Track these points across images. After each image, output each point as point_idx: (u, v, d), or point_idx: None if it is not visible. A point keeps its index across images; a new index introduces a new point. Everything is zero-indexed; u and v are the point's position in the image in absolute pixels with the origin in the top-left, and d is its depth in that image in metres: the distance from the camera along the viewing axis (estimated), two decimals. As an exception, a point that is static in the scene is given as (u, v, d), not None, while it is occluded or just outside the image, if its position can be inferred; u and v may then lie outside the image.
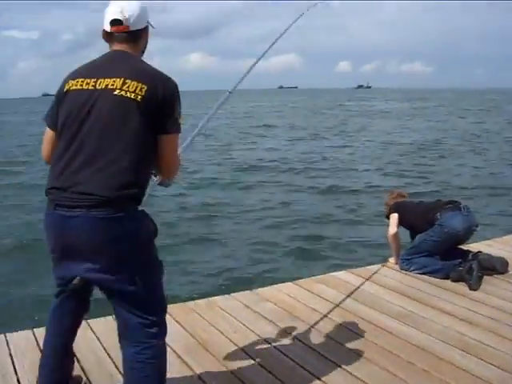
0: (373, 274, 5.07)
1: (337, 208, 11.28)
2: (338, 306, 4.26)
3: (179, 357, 3.34)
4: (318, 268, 6.76)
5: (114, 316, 2.46)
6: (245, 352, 3.44)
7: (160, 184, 2.54)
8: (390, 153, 19.99)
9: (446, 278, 4.84)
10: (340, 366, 3.27)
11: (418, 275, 4.98)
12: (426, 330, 3.80)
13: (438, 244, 4.91)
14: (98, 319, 3.77)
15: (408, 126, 31.16)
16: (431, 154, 19.26)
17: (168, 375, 2.47)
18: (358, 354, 3.43)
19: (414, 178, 14.65)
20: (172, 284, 6.74)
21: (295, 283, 4.80)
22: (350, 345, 3.56)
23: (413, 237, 5.21)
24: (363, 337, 3.68)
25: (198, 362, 3.28)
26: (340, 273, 5.12)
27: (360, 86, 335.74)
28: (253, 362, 3.32)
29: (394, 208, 5.23)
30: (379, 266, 5.34)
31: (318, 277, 5.02)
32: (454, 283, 4.74)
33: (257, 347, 3.52)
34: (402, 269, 5.12)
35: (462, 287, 4.64)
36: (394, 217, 5.16)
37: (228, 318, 3.98)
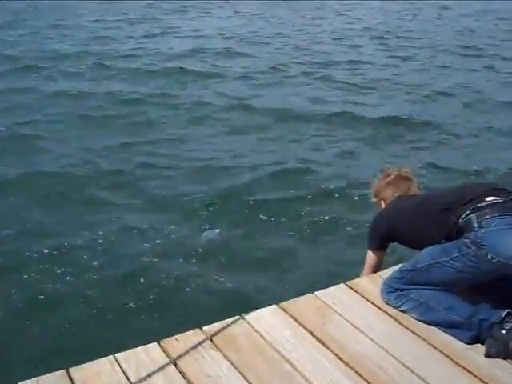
0: (323, 310, 2.47)
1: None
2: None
3: None
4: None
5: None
6: None
7: None
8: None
9: (475, 341, 2.25)
10: None
11: (416, 323, 2.39)
12: None
13: (466, 276, 2.29)
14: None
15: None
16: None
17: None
18: None
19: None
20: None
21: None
22: None
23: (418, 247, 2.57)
24: None
25: None
26: (267, 309, 2.50)
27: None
28: None
29: (384, 220, 2.71)
30: (342, 287, 2.72)
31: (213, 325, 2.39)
32: (492, 362, 2.15)
33: None
34: (386, 301, 2.51)
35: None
36: (371, 257, 2.80)
37: None
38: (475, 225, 2.22)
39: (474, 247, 2.20)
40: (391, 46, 13.25)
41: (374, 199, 2.96)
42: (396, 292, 2.47)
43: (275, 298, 2.72)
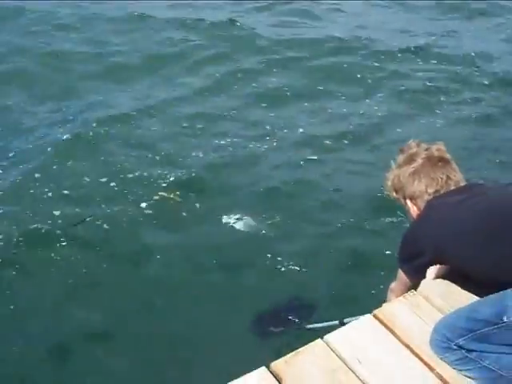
0: (339, 378, 1.59)
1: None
2: None
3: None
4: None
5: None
6: None
7: None
8: None
9: None
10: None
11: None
12: None
13: None
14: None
15: None
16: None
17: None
18: None
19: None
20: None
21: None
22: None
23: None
24: None
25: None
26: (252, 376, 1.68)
27: None
28: None
29: (426, 242, 1.79)
30: (367, 320, 1.82)
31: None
32: None
33: None
34: (441, 358, 1.66)
35: None
36: (403, 280, 1.96)
37: None
38: None
39: None
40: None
41: (393, 196, 1.95)
42: (459, 351, 1.58)
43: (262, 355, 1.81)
